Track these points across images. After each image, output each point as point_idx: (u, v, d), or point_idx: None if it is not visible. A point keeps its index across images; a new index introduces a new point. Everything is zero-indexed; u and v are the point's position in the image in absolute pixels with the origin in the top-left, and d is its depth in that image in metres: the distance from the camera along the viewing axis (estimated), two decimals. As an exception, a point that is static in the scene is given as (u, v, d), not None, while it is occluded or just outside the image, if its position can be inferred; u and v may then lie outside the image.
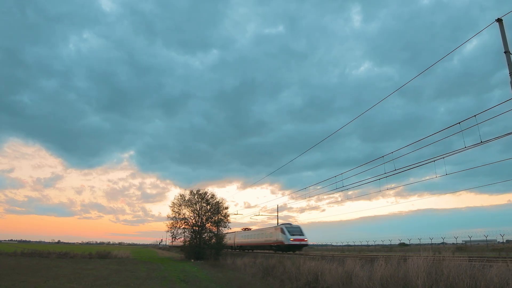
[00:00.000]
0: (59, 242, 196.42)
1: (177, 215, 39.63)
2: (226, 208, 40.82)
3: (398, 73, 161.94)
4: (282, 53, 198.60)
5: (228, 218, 40.88)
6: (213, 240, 39.06)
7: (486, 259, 16.66)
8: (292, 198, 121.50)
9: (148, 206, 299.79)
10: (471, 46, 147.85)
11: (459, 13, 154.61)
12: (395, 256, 18.38)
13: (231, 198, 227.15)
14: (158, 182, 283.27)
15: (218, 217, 40.66)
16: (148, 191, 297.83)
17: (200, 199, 40.37)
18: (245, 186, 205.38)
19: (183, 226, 40.09)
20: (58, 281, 17.41)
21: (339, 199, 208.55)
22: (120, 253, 41.22)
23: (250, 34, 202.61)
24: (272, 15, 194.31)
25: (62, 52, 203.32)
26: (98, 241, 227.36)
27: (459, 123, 13.08)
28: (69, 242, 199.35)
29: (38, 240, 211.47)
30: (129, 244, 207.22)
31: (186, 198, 40.13)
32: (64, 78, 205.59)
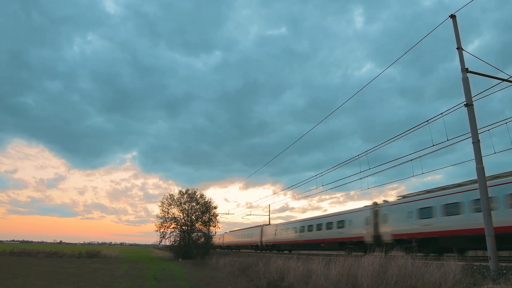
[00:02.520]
0: (61, 242, 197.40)
1: (166, 214, 39.66)
2: (215, 207, 41.07)
3: (400, 74, 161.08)
4: (285, 54, 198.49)
5: (217, 217, 41.07)
6: (202, 239, 39.09)
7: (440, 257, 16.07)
8: (295, 198, 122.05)
9: (150, 206, 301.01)
10: (473, 46, 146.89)
11: (460, 14, 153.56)
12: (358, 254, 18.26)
13: (233, 199, 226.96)
14: (161, 182, 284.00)
15: (207, 216, 40.79)
16: (151, 191, 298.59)
17: (189, 199, 40.43)
18: (247, 186, 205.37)
19: (173, 225, 40.11)
20: (26, 278, 17.45)
21: (341, 199, 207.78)
22: (110, 252, 41.36)
23: (252, 36, 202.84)
24: (274, 16, 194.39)
25: (66, 54, 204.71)
26: (100, 242, 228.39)
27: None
28: (71, 242, 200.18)
29: (40, 241, 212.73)
30: (130, 244, 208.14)
31: (175, 198, 40.19)
32: (68, 80, 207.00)
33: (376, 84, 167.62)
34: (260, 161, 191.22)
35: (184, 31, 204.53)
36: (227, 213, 48.66)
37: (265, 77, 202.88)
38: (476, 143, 10.45)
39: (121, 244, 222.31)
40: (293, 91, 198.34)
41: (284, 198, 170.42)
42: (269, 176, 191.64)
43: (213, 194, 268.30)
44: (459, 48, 11.28)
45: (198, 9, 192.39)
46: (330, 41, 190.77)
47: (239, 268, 22.56)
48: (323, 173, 22.79)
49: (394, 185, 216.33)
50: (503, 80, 11.32)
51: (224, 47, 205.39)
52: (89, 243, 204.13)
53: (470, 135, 10.92)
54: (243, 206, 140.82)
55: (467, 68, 11.07)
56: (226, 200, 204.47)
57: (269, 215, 47.82)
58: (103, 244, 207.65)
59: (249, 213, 45.59)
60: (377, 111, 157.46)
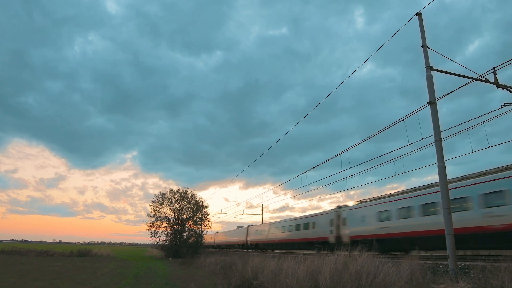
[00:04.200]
0: (60, 242, 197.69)
1: (157, 213, 39.68)
2: (206, 207, 41.16)
3: (401, 74, 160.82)
4: (286, 55, 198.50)
5: (208, 217, 41.19)
6: (192, 238, 39.12)
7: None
8: (295, 198, 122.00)
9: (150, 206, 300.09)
10: (474, 47, 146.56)
11: (461, 14, 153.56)
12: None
13: (233, 198, 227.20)
14: (161, 182, 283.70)
15: (199, 214, 40.88)
16: (151, 191, 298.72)
17: (180, 198, 40.45)
18: (247, 186, 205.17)
19: (164, 224, 40.10)
20: (2, 276, 17.52)
21: (341, 199, 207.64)
22: (101, 251, 41.45)
23: (254, 36, 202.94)
24: (276, 17, 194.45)
25: (67, 54, 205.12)
26: (100, 241, 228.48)
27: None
28: (70, 242, 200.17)
29: (39, 240, 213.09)
30: (129, 244, 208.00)
31: (166, 197, 40.20)
32: (69, 80, 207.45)
33: (377, 84, 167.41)
34: (261, 161, 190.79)
35: (186, 31, 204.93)
36: (220, 212, 48.71)
37: (266, 77, 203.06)
38: (438, 141, 10.43)
39: (120, 243, 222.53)
40: (294, 91, 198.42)
41: (285, 198, 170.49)
42: (270, 175, 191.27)
43: (212, 193, 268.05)
44: (424, 46, 11.25)
45: (200, 9, 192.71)
46: (331, 41, 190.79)
47: (222, 266, 22.59)
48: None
49: (394, 185, 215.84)
50: (466, 77, 11.31)
51: (225, 47, 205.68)
52: (88, 243, 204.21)
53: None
54: (243, 205, 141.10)
55: (431, 66, 11.05)
56: (226, 199, 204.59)
57: (261, 215, 47.89)
58: (103, 243, 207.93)
59: (241, 213, 45.57)
60: (378, 111, 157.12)
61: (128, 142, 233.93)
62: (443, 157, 10.34)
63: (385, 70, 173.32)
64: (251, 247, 39.71)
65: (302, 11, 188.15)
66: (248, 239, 41.51)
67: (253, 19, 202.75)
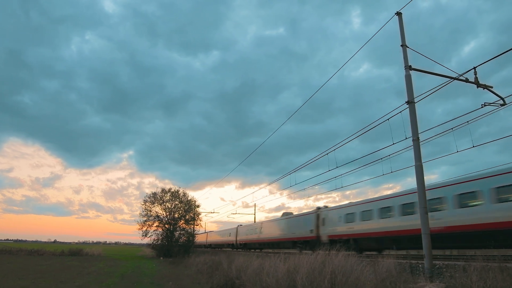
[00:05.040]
0: (55, 241, 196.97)
1: (148, 212, 39.56)
2: (198, 206, 41.11)
3: (397, 75, 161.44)
4: (283, 55, 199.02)
5: (200, 216, 41.20)
6: (183, 238, 39.07)
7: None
8: (291, 198, 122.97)
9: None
10: (469, 48, 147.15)
11: (457, 15, 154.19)
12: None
13: (229, 198, 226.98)
14: (157, 182, 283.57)
15: (192, 213, 40.84)
16: (147, 190, 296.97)
17: (172, 197, 40.36)
18: (243, 186, 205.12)
19: (156, 223, 39.98)
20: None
21: (337, 199, 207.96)
22: (92, 250, 41.32)
23: (251, 36, 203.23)
24: (273, 17, 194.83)
25: (64, 53, 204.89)
26: (95, 241, 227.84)
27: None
28: (66, 241, 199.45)
29: (34, 240, 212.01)
30: (125, 244, 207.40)
31: (158, 196, 40.09)
32: (66, 79, 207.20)
33: (372, 85, 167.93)
34: (257, 160, 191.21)
35: (183, 31, 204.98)
36: (212, 211, 48.64)
37: (263, 77, 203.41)
38: (416, 140, 10.44)
39: (116, 243, 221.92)
40: (291, 91, 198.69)
41: (279, 197, 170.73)
42: (266, 175, 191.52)
43: (208, 193, 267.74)
44: (403, 46, 11.27)
45: (197, 9, 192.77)
46: (327, 41, 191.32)
47: (210, 265, 22.56)
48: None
49: (390, 185, 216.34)
50: (445, 76, 11.33)
51: (222, 47, 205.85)
52: (84, 242, 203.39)
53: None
54: (239, 205, 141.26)
55: (410, 65, 11.06)
56: (222, 199, 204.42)
57: (254, 214, 47.92)
58: (98, 243, 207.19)
59: (234, 212, 45.56)
60: (374, 111, 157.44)
61: (124, 141, 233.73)
62: (420, 157, 10.35)
63: (381, 71, 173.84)
64: (240, 247, 39.79)
65: (299, 12, 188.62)
66: (238, 238, 41.65)
67: (250, 19, 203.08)
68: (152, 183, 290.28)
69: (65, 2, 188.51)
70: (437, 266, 10.62)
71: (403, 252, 19.33)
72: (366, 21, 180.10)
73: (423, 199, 10.03)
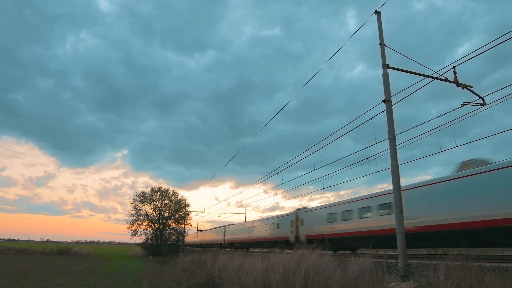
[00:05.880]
0: (48, 241, 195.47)
1: (138, 211, 39.33)
2: (188, 205, 40.97)
3: (391, 76, 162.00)
4: (278, 55, 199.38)
5: (190, 215, 41.06)
6: (173, 237, 38.96)
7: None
8: (284, 197, 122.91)
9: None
10: (463, 50, 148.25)
11: (451, 18, 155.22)
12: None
13: (224, 197, 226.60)
14: (151, 181, 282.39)
15: (182, 213, 40.72)
16: (141, 190, 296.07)
17: (162, 196, 40.18)
18: (238, 185, 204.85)
19: (146, 223, 39.75)
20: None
21: (331, 199, 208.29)
22: (81, 250, 41.05)
23: (246, 36, 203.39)
24: (269, 17, 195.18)
25: (58, 52, 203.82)
26: (88, 240, 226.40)
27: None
28: (58, 241, 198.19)
29: (27, 239, 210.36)
30: (118, 243, 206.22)
31: (148, 195, 39.87)
32: (60, 78, 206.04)
33: (367, 86, 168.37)
34: (251, 160, 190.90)
35: (178, 31, 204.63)
36: (203, 211, 48.46)
37: (258, 77, 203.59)
38: (392, 139, 10.41)
39: (109, 243, 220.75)
40: (286, 92, 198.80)
41: (269, 196, 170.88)
42: (260, 175, 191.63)
43: (202, 192, 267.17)
44: (382, 44, 11.25)
45: (193, 9, 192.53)
46: (323, 42, 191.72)
47: (196, 265, 22.48)
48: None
49: (384, 185, 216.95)
50: (424, 75, 11.34)
51: (218, 47, 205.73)
52: (77, 242, 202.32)
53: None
54: (233, 205, 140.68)
55: (387, 64, 11.04)
56: (217, 199, 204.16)
57: (245, 214, 47.77)
58: (91, 242, 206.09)
59: (225, 212, 45.25)
60: (368, 112, 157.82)
61: (118, 140, 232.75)
62: (396, 156, 10.32)
63: (375, 72, 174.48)
64: (228, 246, 39.68)
65: (295, 12, 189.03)
66: (226, 238, 41.67)
67: (246, 20, 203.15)
68: (146, 182, 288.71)
69: (60, 1, 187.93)
70: (414, 265, 10.62)
71: (383, 251, 19.59)
72: (361, 22, 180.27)
73: (399, 198, 10.00)
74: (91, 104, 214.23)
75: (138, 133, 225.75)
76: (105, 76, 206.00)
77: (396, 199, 10.06)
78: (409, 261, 12.01)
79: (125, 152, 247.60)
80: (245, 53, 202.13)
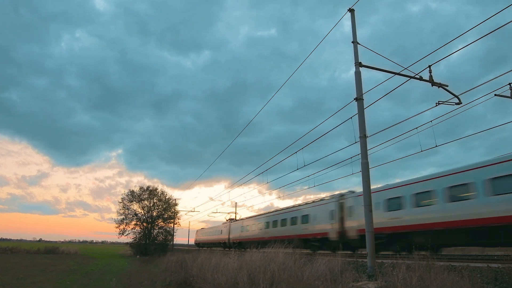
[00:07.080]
0: (40, 240, 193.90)
1: (126, 211, 39.09)
2: (176, 204, 40.85)
3: (386, 77, 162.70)
4: (274, 56, 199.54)
5: (178, 215, 40.98)
6: (161, 237, 38.82)
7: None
8: (280, 197, 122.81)
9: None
10: (457, 52, 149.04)
11: (446, 20, 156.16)
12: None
13: (219, 197, 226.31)
14: (146, 181, 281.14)
15: (170, 212, 40.57)
16: (135, 189, 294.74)
17: (150, 195, 39.98)
18: (232, 185, 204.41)
19: (134, 222, 39.51)
20: None
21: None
22: (68, 249, 40.78)
23: (242, 36, 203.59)
24: (265, 18, 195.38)
25: (54, 51, 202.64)
26: (82, 240, 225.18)
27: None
28: (51, 240, 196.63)
29: (19, 239, 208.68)
30: (111, 243, 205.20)
31: (136, 194, 39.64)
32: (55, 77, 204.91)
33: (363, 87, 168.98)
34: (247, 160, 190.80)
35: (174, 30, 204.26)
36: (193, 210, 48.25)
37: (254, 78, 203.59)
38: (363, 138, 10.38)
39: (103, 242, 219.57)
40: (281, 92, 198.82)
41: (262, 195, 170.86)
42: (254, 175, 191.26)
43: (201, 192, 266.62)
44: (354, 42, 11.22)
45: (189, 9, 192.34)
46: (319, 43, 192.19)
47: (180, 264, 22.39)
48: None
49: (379, 185, 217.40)
50: (399, 74, 11.32)
51: (214, 47, 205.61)
52: (69, 241, 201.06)
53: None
54: (228, 205, 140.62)
55: (360, 62, 11.02)
56: (211, 198, 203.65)
57: (235, 213, 47.43)
58: (84, 242, 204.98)
59: (215, 211, 44.97)
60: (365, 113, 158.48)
61: (113, 140, 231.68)
62: (366, 154, 10.29)
63: (371, 73, 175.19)
64: (233, 246, 35.82)
65: (291, 13, 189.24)
66: (231, 236, 37.89)
67: (242, 20, 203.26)
68: (140, 182, 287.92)
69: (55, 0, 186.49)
70: (385, 265, 10.58)
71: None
72: (357, 24, 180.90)
73: (368, 197, 9.96)
74: (86, 103, 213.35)
75: (133, 133, 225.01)
76: (100, 75, 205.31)
77: (365, 197, 10.01)
78: (384, 261, 12.01)
79: (120, 151, 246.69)
80: (241, 53, 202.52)
